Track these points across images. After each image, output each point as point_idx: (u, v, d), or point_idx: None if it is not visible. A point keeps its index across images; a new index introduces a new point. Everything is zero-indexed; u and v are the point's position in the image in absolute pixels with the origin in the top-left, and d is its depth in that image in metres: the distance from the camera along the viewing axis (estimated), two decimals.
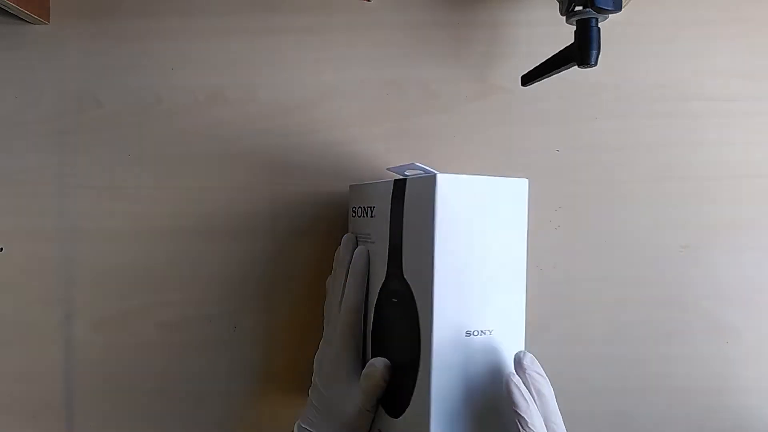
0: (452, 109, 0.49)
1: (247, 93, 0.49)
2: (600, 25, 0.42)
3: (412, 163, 0.41)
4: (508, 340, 0.40)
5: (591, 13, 0.41)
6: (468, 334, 0.39)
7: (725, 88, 0.48)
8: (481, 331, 0.39)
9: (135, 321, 0.49)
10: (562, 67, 0.43)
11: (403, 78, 0.49)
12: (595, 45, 0.41)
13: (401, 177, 0.41)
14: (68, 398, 0.50)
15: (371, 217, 0.44)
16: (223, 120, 0.49)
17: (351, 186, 0.47)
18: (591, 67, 0.42)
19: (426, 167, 0.41)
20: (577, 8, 0.41)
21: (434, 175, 0.38)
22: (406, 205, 0.41)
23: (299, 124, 0.49)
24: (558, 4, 0.43)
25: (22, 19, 0.49)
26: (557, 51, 0.44)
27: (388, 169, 0.43)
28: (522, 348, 0.40)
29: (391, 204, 0.42)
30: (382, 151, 0.49)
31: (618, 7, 0.41)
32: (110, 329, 0.50)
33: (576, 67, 0.43)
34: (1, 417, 0.50)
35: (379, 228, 0.43)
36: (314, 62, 0.49)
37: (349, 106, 0.49)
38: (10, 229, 0.50)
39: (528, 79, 0.46)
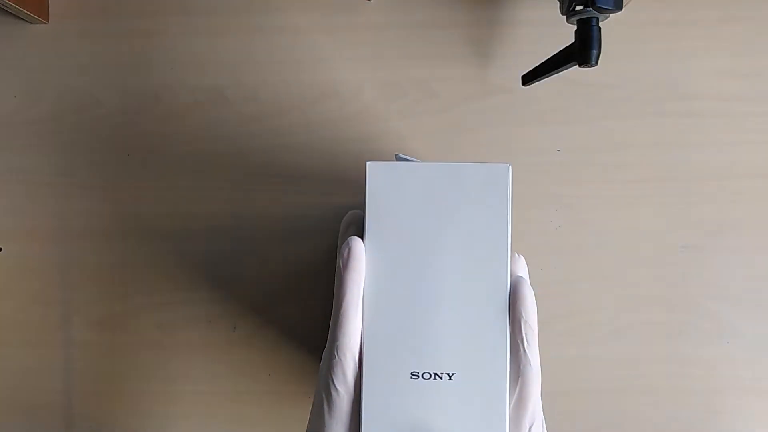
0: (452, 109, 0.49)
1: (247, 93, 0.49)
2: (601, 24, 0.42)
3: (396, 155, 0.36)
4: (480, 389, 0.30)
5: (592, 12, 0.41)
6: (415, 376, 0.30)
7: (725, 88, 0.48)
8: (437, 374, 0.30)
9: (135, 321, 0.49)
10: (563, 67, 0.43)
11: (403, 78, 0.49)
12: (595, 45, 0.41)
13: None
14: (68, 398, 0.50)
15: None
16: (223, 120, 0.49)
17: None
18: (592, 66, 0.42)
19: (409, 157, 0.35)
20: (578, 8, 0.41)
21: (365, 163, 0.32)
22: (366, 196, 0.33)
23: (299, 124, 0.49)
24: (558, 3, 0.43)
25: (21, 19, 0.49)
26: (557, 51, 0.44)
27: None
28: (503, 402, 0.30)
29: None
30: (382, 150, 0.49)
31: (619, 6, 0.41)
32: (110, 329, 0.50)
33: (576, 66, 0.43)
34: (1, 417, 0.50)
35: None
36: (314, 62, 0.49)
37: (349, 106, 0.49)
38: (9, 229, 0.50)
39: (528, 78, 0.46)
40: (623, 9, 0.41)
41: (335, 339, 0.30)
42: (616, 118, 0.49)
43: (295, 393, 0.49)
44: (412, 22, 0.49)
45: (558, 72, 0.44)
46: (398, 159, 0.36)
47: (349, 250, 0.31)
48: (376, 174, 0.32)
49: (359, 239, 0.31)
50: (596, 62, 0.42)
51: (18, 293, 0.50)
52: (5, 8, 0.46)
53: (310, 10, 0.49)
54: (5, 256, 0.50)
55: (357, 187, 0.49)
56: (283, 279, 0.49)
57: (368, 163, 0.32)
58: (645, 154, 0.49)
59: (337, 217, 0.49)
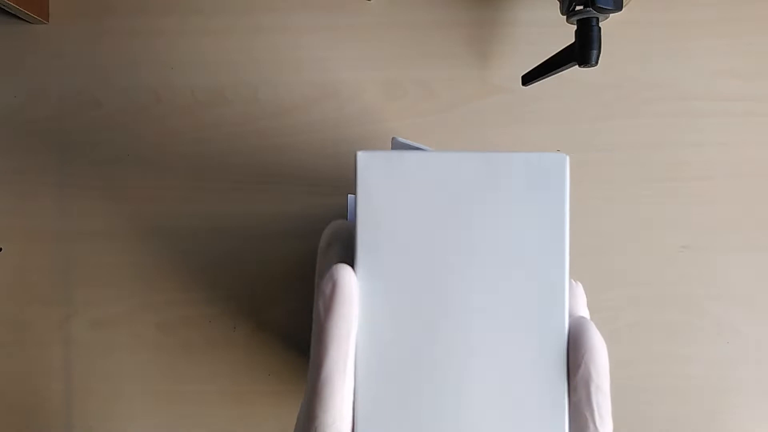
0: (452, 109, 0.49)
1: (247, 93, 0.49)
2: (601, 24, 0.42)
3: (394, 138, 0.28)
4: None
5: (592, 12, 0.41)
6: None
7: (725, 88, 0.48)
8: None
9: (135, 321, 0.49)
10: (563, 67, 0.43)
11: (403, 78, 0.49)
12: (595, 45, 0.41)
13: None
14: (68, 398, 0.50)
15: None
16: (223, 120, 0.49)
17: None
18: (592, 66, 0.42)
19: (410, 143, 0.27)
20: (578, 8, 0.41)
21: (355, 153, 0.22)
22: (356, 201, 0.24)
23: (299, 124, 0.49)
24: (558, 3, 0.43)
25: (21, 19, 0.49)
26: (558, 51, 0.44)
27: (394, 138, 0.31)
28: None
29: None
30: (382, 150, 0.49)
31: (619, 6, 0.41)
32: (110, 329, 0.50)
33: (576, 66, 0.43)
34: (0, 417, 0.50)
35: None
36: (314, 62, 0.49)
37: (349, 106, 0.49)
38: (9, 229, 0.50)
39: (528, 78, 0.46)
40: (623, 9, 0.41)
41: (314, 417, 0.21)
42: (616, 118, 0.49)
43: (295, 393, 0.49)
44: (412, 22, 0.49)
45: (558, 72, 0.44)
46: (396, 145, 0.28)
47: (334, 285, 0.21)
48: (371, 169, 0.22)
49: (348, 268, 0.21)
50: (596, 62, 0.42)
51: (18, 293, 0.50)
52: (5, 8, 0.46)
53: (310, 10, 0.49)
54: (5, 256, 0.50)
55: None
56: (283, 279, 0.49)
57: (359, 153, 0.22)
58: (645, 154, 0.49)
59: (338, 217, 0.49)
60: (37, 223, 0.50)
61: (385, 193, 0.22)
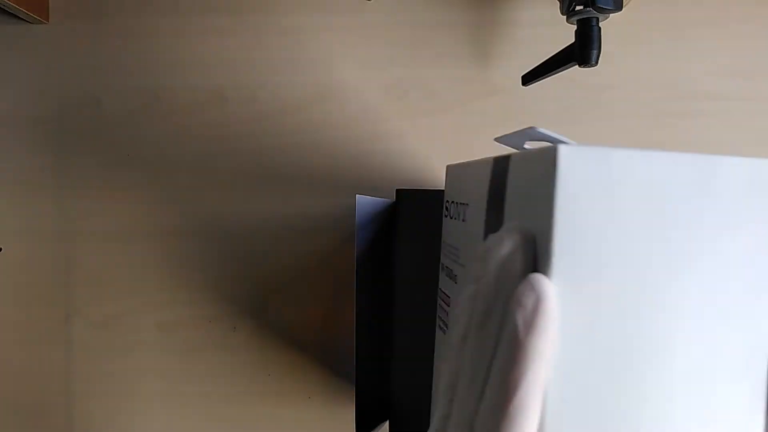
0: (452, 109, 0.49)
1: (247, 93, 0.49)
2: (601, 24, 0.42)
3: (531, 128, 0.24)
4: None
5: (592, 12, 0.41)
6: None
7: (725, 88, 0.48)
8: None
9: (135, 321, 0.49)
10: (563, 67, 0.43)
11: (403, 78, 0.49)
12: (595, 44, 0.41)
13: (508, 154, 0.23)
14: (68, 398, 0.50)
15: (462, 221, 0.27)
16: (223, 120, 0.49)
17: (448, 167, 0.30)
18: (592, 66, 0.42)
19: (554, 135, 0.24)
20: (578, 8, 0.41)
21: (553, 149, 0.19)
22: (508, 203, 0.22)
23: (299, 124, 0.49)
24: (558, 3, 0.43)
25: (21, 19, 0.49)
26: (557, 51, 0.44)
27: (496, 139, 0.27)
28: None
29: (488, 201, 0.24)
30: (381, 150, 0.49)
31: (619, 6, 0.41)
32: (110, 329, 0.50)
33: (576, 66, 0.43)
34: (1, 417, 0.50)
35: (470, 241, 0.26)
36: (314, 62, 0.49)
37: (349, 107, 0.49)
38: (10, 230, 0.50)
39: (528, 78, 0.46)
40: (623, 9, 0.41)
41: None
42: (616, 118, 0.49)
43: (295, 393, 0.49)
44: (412, 22, 0.49)
45: (558, 72, 0.44)
46: (535, 136, 0.25)
47: (538, 299, 0.19)
48: (575, 168, 0.19)
49: (548, 280, 0.19)
50: (596, 62, 0.42)
51: (18, 293, 0.50)
52: (5, 8, 0.46)
53: (310, 11, 0.49)
54: (5, 256, 0.50)
55: (358, 188, 0.49)
56: (282, 279, 0.49)
57: (562, 148, 0.19)
58: None
59: (339, 217, 0.49)
60: (37, 223, 0.50)
61: (589, 196, 0.19)
